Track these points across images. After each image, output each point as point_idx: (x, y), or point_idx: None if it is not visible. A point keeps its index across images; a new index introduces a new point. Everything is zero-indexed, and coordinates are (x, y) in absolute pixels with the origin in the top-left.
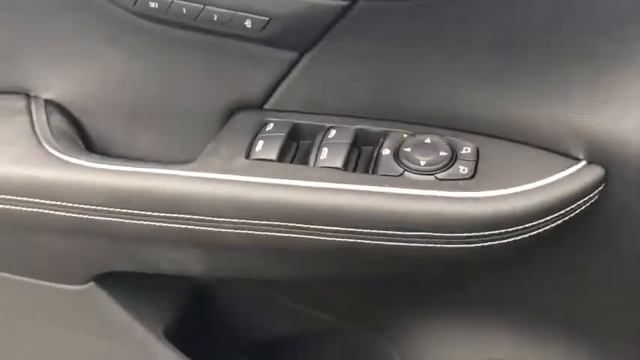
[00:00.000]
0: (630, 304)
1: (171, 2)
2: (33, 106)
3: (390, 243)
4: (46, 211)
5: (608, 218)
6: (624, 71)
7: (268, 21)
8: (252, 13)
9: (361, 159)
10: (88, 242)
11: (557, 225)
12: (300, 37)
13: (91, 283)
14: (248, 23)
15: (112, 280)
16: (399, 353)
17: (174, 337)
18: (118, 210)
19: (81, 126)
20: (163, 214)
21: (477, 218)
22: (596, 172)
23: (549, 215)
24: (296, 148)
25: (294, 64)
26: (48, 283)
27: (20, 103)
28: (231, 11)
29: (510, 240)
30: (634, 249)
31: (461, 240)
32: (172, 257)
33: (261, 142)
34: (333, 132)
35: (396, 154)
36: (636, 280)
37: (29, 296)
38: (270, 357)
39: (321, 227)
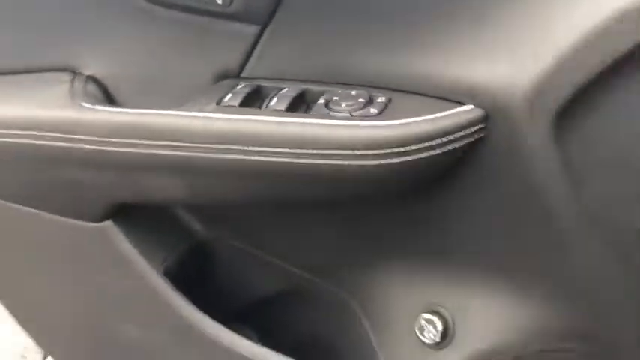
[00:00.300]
0: (530, 243)
1: None
2: (76, 79)
3: (313, 161)
4: (69, 145)
5: (496, 156)
6: (505, 32)
7: None
8: None
9: (306, 109)
10: (99, 173)
11: (450, 156)
12: (258, 11)
13: (107, 222)
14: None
15: (124, 221)
16: (358, 303)
17: (172, 278)
18: (123, 140)
19: (112, 97)
20: (155, 142)
21: (379, 138)
22: (477, 112)
23: (439, 139)
24: (259, 104)
25: (258, 38)
26: (68, 220)
27: (67, 76)
28: None
29: (411, 158)
30: (522, 189)
31: (372, 155)
32: (162, 184)
33: (229, 95)
34: (285, 89)
35: (327, 103)
36: (528, 221)
37: (49, 231)
38: (254, 316)
39: (263, 149)
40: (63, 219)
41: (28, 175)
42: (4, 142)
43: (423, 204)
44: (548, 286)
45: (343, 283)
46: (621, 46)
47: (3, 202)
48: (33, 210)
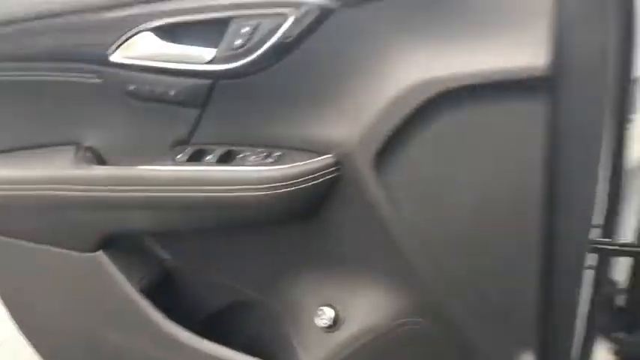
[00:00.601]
0: (386, 250)
1: (140, 84)
2: (79, 149)
3: (228, 194)
4: (75, 194)
5: (348, 189)
6: (340, 106)
7: (180, 89)
8: (173, 87)
9: (229, 162)
10: (95, 213)
11: (317, 190)
12: (198, 100)
13: (99, 252)
14: (172, 92)
15: (111, 251)
16: (280, 305)
17: (147, 295)
18: (112, 187)
19: (104, 160)
20: (133, 187)
21: (269, 177)
22: (332, 159)
23: (304, 177)
24: (200, 160)
25: (200, 117)
26: (69, 251)
27: (71, 148)
28: (164, 87)
29: (289, 189)
30: (367, 210)
31: (263, 188)
32: (139, 217)
33: (181, 155)
34: (217, 149)
35: (243, 157)
36: (377, 233)
37: (53, 260)
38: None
39: (201, 188)
40: (65, 251)
41: (43, 218)
42: (27, 194)
43: (314, 227)
44: (400, 279)
45: (269, 292)
46: (408, 109)
47: (17, 240)
48: (41, 245)
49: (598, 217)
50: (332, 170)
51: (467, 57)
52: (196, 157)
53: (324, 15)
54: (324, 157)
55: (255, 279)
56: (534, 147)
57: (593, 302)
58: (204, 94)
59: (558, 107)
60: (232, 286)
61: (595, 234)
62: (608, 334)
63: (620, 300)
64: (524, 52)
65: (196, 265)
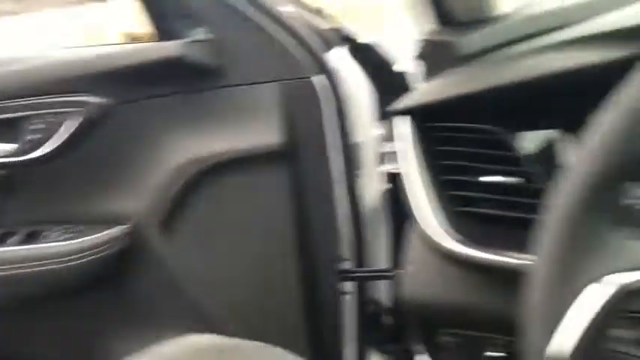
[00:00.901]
0: (184, 300)
1: None
2: None
3: (31, 270)
4: None
5: (142, 253)
6: (128, 188)
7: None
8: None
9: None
10: None
11: (113, 256)
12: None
13: None
14: None
15: None
16: None
17: None
18: None
19: None
20: None
21: (66, 251)
22: (124, 230)
23: (100, 247)
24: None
25: (4, 202)
26: None
27: None
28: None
29: (86, 260)
30: (161, 269)
31: (62, 261)
32: None
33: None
34: (22, 230)
35: (45, 236)
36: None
37: None
38: None
39: (11, 266)
40: None
41: None
42: None
43: (117, 289)
44: (198, 320)
45: (83, 357)
46: (181, 182)
47: None
48: None
49: (347, 251)
50: (126, 238)
51: (223, 140)
52: (3, 239)
53: (104, 111)
54: (118, 228)
55: (69, 346)
56: (283, 202)
57: (361, 320)
58: (5, 183)
59: (296, 170)
60: (52, 356)
61: (347, 265)
62: (379, 347)
63: (387, 317)
64: (263, 133)
65: (12, 342)
